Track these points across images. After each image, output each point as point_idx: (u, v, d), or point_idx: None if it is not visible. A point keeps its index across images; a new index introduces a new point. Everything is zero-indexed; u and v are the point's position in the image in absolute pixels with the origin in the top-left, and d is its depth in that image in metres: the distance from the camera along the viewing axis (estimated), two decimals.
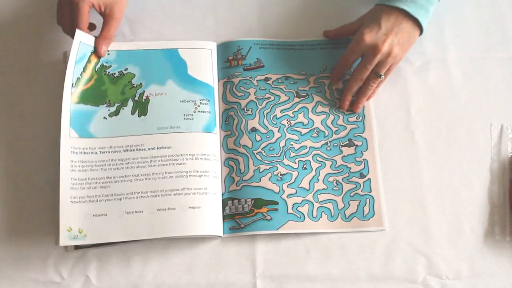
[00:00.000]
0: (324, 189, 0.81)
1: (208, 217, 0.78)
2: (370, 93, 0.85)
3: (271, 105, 0.86)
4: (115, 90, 0.85)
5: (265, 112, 0.85)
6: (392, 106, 0.86)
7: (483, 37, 0.91)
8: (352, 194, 0.81)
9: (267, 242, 0.79)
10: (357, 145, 0.83)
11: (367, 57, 0.82)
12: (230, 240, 0.79)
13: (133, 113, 0.84)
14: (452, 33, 0.91)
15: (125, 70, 0.87)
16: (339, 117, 0.85)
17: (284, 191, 0.81)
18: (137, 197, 0.79)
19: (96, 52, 0.85)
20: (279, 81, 0.87)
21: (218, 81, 0.88)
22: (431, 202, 0.81)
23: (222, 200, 0.81)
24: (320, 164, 0.82)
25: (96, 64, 0.87)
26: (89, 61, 0.86)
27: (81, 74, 0.85)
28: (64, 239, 0.76)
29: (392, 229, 0.80)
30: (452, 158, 0.83)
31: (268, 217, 0.79)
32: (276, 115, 0.85)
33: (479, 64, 0.89)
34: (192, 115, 0.84)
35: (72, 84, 0.84)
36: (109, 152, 0.81)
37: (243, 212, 0.80)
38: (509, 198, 0.81)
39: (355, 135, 0.84)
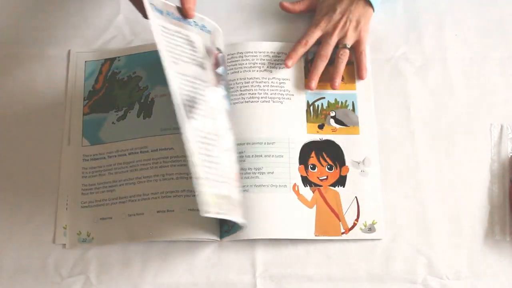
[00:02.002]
0: None
1: (207, 220, 0.78)
2: (342, 68, 0.87)
3: None
4: (123, 94, 0.86)
5: None
6: (392, 106, 0.86)
7: (483, 37, 0.91)
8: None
9: (267, 243, 0.79)
10: None
11: (328, 35, 0.87)
12: (229, 241, 0.79)
13: (138, 115, 0.84)
14: (452, 33, 0.91)
15: (133, 73, 0.87)
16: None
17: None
18: (139, 200, 0.80)
19: (184, 14, 0.75)
20: None
21: None
22: (431, 202, 0.81)
23: None
24: None
25: (108, 72, 0.87)
26: (100, 72, 0.88)
27: (93, 87, 0.87)
28: (74, 243, 0.79)
29: (392, 229, 0.80)
30: (452, 158, 0.83)
31: None
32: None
33: (479, 64, 0.89)
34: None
35: (84, 98, 0.86)
36: (115, 156, 0.82)
37: None
38: (509, 198, 0.81)
39: None
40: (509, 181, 0.82)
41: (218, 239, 0.79)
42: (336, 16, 0.87)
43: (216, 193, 0.68)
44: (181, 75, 0.71)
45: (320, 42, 0.88)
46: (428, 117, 0.86)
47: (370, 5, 0.87)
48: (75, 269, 0.78)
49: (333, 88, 0.86)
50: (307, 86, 0.86)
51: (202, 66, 0.75)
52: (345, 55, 0.87)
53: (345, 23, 0.87)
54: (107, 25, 0.91)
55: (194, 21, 0.77)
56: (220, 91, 0.77)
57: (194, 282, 0.78)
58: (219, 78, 0.78)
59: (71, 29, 0.91)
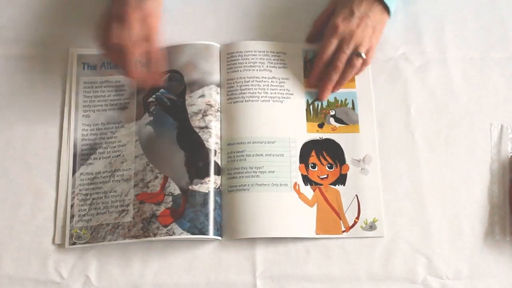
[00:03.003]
0: None
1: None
2: (351, 76, 0.85)
3: None
4: None
5: None
6: (392, 106, 0.86)
7: (483, 37, 0.91)
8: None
9: (267, 243, 0.79)
10: None
11: (344, 42, 0.83)
12: (230, 240, 0.79)
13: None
14: (452, 33, 0.91)
15: None
16: None
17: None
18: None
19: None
20: None
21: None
22: (431, 202, 0.81)
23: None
24: None
25: None
26: None
27: None
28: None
29: (392, 229, 0.80)
30: (452, 158, 0.83)
31: None
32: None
33: (479, 64, 0.89)
34: None
35: None
36: None
37: None
38: (509, 198, 0.81)
39: None
40: (509, 181, 0.82)
41: (220, 238, 0.79)
42: (355, 20, 0.84)
43: (86, 226, 0.79)
44: (88, 126, 0.84)
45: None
46: (428, 117, 0.86)
47: (387, 11, 0.85)
48: (75, 269, 0.78)
49: (333, 91, 0.86)
50: (320, 97, 0.86)
51: (123, 107, 0.85)
52: (357, 64, 0.84)
53: (363, 29, 0.83)
54: None
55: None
56: (144, 119, 0.83)
57: (194, 282, 0.78)
58: (150, 105, 0.84)
59: (71, 29, 0.91)
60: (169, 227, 0.77)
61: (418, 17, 0.92)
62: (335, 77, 0.85)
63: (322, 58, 0.85)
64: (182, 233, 0.77)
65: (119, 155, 0.82)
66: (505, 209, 0.81)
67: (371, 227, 0.79)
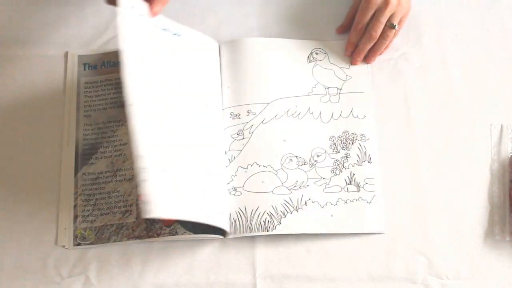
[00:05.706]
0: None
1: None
2: (385, 47, 0.87)
3: None
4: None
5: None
6: (392, 106, 0.86)
7: (483, 37, 0.91)
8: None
9: (267, 242, 0.79)
10: None
11: (380, 12, 0.83)
12: (230, 239, 0.79)
13: None
14: (452, 33, 0.91)
15: None
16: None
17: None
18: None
19: (149, 12, 0.77)
20: None
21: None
22: (431, 202, 0.81)
23: None
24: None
25: None
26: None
27: None
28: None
29: (392, 229, 0.80)
30: (452, 158, 0.83)
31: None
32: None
33: (479, 64, 0.89)
34: None
35: None
36: None
37: None
38: (509, 198, 0.81)
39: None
40: (509, 181, 0.82)
41: (222, 237, 0.79)
42: None
43: (90, 226, 0.79)
44: (89, 125, 0.84)
45: None
46: (428, 117, 0.86)
47: None
48: (75, 269, 0.78)
49: (367, 63, 0.88)
50: (353, 63, 0.87)
51: (123, 104, 0.82)
52: (390, 35, 0.86)
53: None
54: (107, 25, 0.91)
55: None
56: None
57: (194, 282, 0.78)
58: None
59: (70, 29, 0.91)
60: (172, 226, 0.77)
61: (418, 17, 0.92)
62: (368, 46, 0.86)
63: (357, 28, 0.86)
64: (185, 232, 0.77)
65: (121, 154, 0.82)
66: (505, 209, 0.81)
67: None
